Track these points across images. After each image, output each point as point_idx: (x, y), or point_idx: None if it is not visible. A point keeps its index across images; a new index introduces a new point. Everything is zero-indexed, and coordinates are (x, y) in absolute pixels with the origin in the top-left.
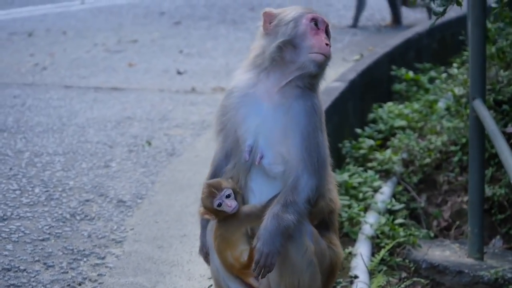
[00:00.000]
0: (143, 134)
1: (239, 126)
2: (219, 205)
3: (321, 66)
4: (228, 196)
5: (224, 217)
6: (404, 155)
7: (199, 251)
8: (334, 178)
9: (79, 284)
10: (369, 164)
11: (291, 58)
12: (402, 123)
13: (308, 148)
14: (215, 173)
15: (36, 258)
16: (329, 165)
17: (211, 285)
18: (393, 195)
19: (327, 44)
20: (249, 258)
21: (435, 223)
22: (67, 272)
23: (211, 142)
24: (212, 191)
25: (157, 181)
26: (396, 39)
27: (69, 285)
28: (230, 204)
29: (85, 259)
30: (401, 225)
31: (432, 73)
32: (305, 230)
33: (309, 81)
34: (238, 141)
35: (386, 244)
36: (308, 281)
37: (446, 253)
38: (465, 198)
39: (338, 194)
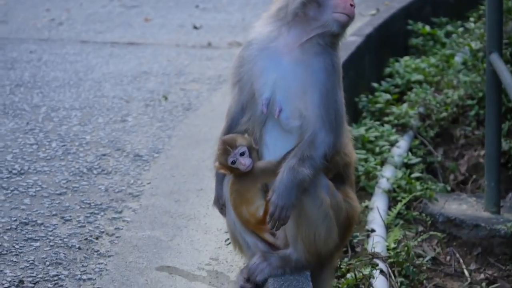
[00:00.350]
0: (160, 88)
1: (256, 79)
2: (233, 162)
3: (344, 27)
4: (242, 154)
5: (239, 173)
6: (421, 109)
7: (214, 202)
8: (350, 132)
9: (96, 238)
10: (386, 118)
11: (314, 15)
12: (419, 77)
13: (326, 105)
14: (230, 127)
15: (54, 212)
16: (345, 120)
17: (228, 239)
18: (410, 149)
19: (351, 5)
20: (264, 214)
21: (451, 177)
22: (84, 226)
23: (227, 96)
24: (226, 148)
25: (173, 136)
26: None
27: (86, 238)
28: (244, 163)
29: (102, 213)
30: (417, 179)
31: (449, 28)
32: (321, 183)
33: (330, 39)
34: (254, 94)
35: (403, 198)
36: (324, 234)
37: (462, 207)
38: (482, 152)
39: (355, 148)
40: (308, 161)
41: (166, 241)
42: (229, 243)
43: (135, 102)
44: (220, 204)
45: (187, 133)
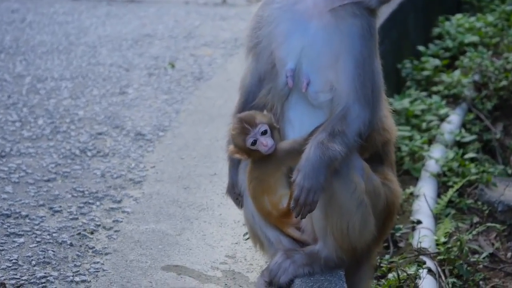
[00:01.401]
0: (165, 54)
1: (278, 46)
2: (253, 143)
3: (384, 2)
4: (264, 133)
5: (260, 156)
6: (476, 77)
7: (227, 191)
8: (388, 102)
9: (91, 233)
10: (434, 88)
11: None
12: (474, 38)
13: (362, 76)
14: (246, 102)
15: (41, 202)
16: (383, 93)
17: (246, 233)
18: (463, 125)
19: None
20: (288, 204)
21: None
22: (77, 219)
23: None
24: (244, 127)
25: (182, 110)
26: None
27: (79, 233)
28: (266, 143)
29: (98, 203)
30: (472, 160)
31: None
32: (354, 165)
33: (366, 10)
34: (275, 64)
35: (455, 183)
36: (359, 225)
37: None
38: None
39: (397, 124)
40: (340, 137)
41: (173, 235)
42: (248, 238)
43: (137, 70)
44: (235, 194)
45: (198, 107)
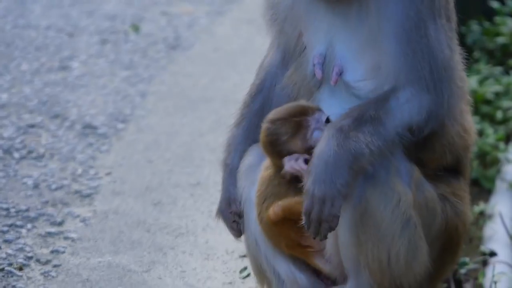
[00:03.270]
0: (126, 13)
1: (302, 24)
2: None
3: None
4: (327, 121)
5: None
6: None
7: (219, 210)
8: (467, 91)
9: (20, 268)
10: None
11: None
12: None
13: (412, 49)
14: (262, 86)
15: None
16: (459, 74)
17: (245, 268)
18: None
19: None
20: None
21: None
22: (0, 248)
23: (244, 26)
24: (297, 121)
25: (150, 93)
26: None
27: (2, 269)
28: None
29: (29, 226)
30: None
31: None
32: (397, 167)
33: None
34: (298, 44)
35: None
36: (405, 253)
37: None
38: None
39: None
40: (372, 125)
41: (139, 272)
42: (248, 275)
43: (84, 36)
44: (231, 214)
45: (174, 88)
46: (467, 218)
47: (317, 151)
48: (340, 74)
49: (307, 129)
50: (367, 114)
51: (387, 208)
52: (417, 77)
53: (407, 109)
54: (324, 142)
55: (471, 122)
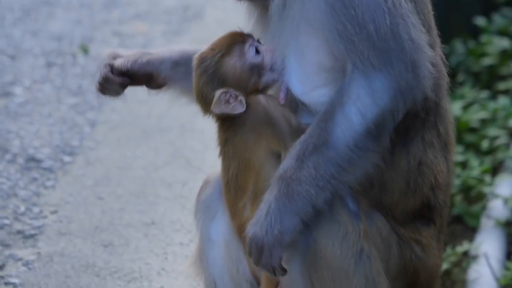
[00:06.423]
0: (74, 33)
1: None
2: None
3: None
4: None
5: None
6: None
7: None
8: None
9: None
10: (501, 86)
11: None
12: None
13: (344, 27)
14: None
15: None
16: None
17: None
18: None
19: None
20: None
21: None
22: None
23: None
24: (230, 43)
25: (100, 122)
26: None
27: None
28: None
29: None
30: None
31: None
32: (340, 195)
33: None
34: None
35: None
36: None
37: None
38: None
39: None
40: (316, 153)
41: None
42: None
43: (28, 58)
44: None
45: (127, 116)
46: (432, 264)
47: (263, 199)
48: (286, 92)
49: (242, 44)
50: (310, 143)
51: (335, 244)
52: (358, 52)
53: (355, 112)
54: (268, 191)
55: (441, 154)
